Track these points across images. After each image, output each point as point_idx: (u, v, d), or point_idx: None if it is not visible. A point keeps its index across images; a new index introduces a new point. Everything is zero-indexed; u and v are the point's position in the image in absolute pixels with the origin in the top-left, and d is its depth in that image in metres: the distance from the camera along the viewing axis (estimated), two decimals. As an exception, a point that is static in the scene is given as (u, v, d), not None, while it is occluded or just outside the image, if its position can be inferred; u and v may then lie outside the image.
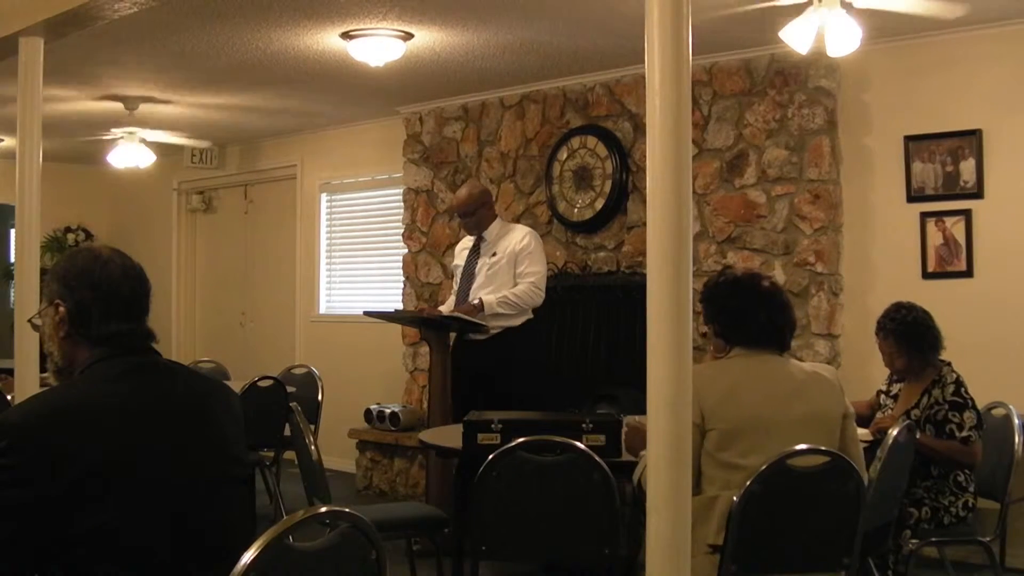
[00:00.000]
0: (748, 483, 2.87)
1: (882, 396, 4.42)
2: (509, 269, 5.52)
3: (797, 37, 4.53)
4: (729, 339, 3.14)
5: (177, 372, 2.22)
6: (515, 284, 5.49)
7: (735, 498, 2.87)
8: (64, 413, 1.96)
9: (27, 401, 2.08)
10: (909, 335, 4.17)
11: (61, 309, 2.13)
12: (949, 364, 4.15)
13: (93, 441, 1.93)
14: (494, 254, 5.57)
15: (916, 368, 4.19)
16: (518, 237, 5.59)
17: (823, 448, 3.04)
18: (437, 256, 7.30)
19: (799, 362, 3.23)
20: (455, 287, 5.83)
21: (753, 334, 3.12)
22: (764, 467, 2.88)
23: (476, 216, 5.63)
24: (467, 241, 5.81)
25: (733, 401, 2.99)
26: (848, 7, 4.40)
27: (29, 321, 2.29)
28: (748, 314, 3.12)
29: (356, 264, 8.51)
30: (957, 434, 4.00)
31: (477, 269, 5.60)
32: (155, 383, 2.13)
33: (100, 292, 2.13)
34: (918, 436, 3.83)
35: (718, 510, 2.91)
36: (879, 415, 4.30)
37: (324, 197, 8.59)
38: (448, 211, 7.12)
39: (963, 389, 4.07)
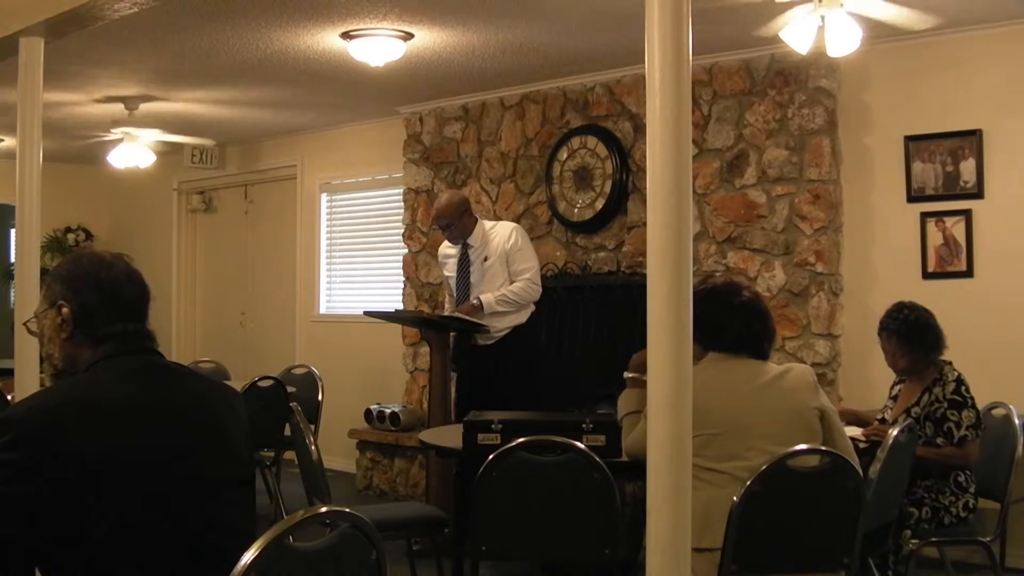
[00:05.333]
0: (748, 483, 2.88)
1: (886, 401, 4.42)
2: (503, 269, 5.55)
3: (797, 37, 4.52)
4: (704, 345, 3.19)
5: (181, 373, 2.23)
6: (511, 282, 5.52)
7: (735, 498, 2.87)
8: (68, 409, 1.97)
9: (32, 396, 2.08)
10: (911, 335, 4.17)
11: (65, 310, 2.14)
12: (950, 363, 4.15)
13: (96, 438, 1.94)
14: (486, 258, 5.57)
15: (919, 368, 4.19)
16: (505, 235, 5.60)
17: (823, 448, 3.05)
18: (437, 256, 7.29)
19: (773, 364, 3.25)
20: (449, 296, 5.85)
21: (727, 341, 3.20)
22: (764, 467, 2.89)
23: (459, 225, 5.60)
24: (448, 247, 5.79)
25: (699, 406, 2.99)
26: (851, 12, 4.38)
27: (25, 325, 2.28)
28: (723, 323, 3.19)
29: (356, 264, 8.50)
30: (955, 433, 4.00)
31: (472, 275, 5.61)
32: (160, 383, 2.13)
33: (106, 294, 2.14)
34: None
35: (698, 513, 2.90)
36: (879, 416, 4.30)
37: (324, 197, 8.58)
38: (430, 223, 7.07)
39: (963, 388, 4.07)
